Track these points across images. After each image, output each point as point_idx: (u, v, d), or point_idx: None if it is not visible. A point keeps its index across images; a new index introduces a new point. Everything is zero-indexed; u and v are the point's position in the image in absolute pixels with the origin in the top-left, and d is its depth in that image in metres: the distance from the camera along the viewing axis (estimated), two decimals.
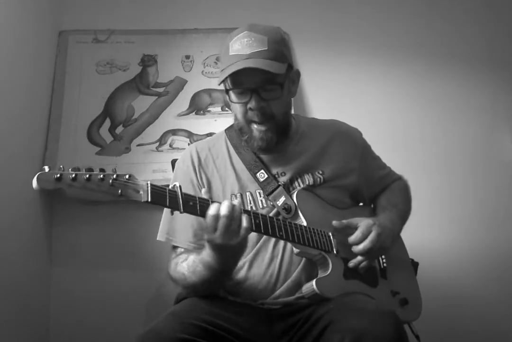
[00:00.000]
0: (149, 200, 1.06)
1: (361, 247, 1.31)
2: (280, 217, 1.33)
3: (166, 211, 1.31)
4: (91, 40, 2.26)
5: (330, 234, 1.35)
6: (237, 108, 1.39)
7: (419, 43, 2.48)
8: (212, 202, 1.16)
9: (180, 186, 1.12)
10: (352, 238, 1.32)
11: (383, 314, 1.13)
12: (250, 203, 1.39)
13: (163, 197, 1.09)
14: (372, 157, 1.60)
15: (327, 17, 2.47)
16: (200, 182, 1.43)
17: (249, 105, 1.34)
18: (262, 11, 2.36)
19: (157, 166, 2.09)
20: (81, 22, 2.28)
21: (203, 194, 1.27)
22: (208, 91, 2.25)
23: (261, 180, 1.40)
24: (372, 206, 1.60)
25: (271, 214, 1.36)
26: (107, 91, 2.19)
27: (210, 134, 2.08)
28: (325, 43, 2.44)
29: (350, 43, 2.45)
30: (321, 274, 1.30)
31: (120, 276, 2.02)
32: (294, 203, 1.36)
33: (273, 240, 1.36)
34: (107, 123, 2.15)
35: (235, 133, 1.48)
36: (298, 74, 1.46)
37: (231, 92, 1.37)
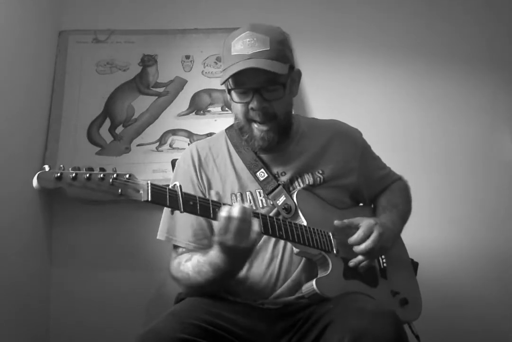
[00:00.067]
0: (149, 199, 1.06)
1: (362, 246, 1.30)
2: (280, 217, 1.33)
3: (166, 210, 1.31)
4: (91, 40, 2.26)
5: (330, 233, 1.35)
6: (238, 107, 1.38)
7: (419, 43, 2.48)
8: (213, 201, 1.17)
9: (180, 186, 1.12)
10: (353, 238, 1.32)
11: (383, 314, 1.13)
12: (250, 202, 1.39)
13: (163, 196, 1.09)
14: (372, 158, 1.61)
15: (327, 17, 2.47)
16: (200, 181, 1.43)
17: (251, 105, 1.34)
18: (262, 11, 2.36)
19: (157, 167, 2.09)
20: (81, 22, 2.28)
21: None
22: (208, 91, 2.25)
23: (261, 179, 1.40)
24: (372, 206, 1.60)
25: (271, 214, 1.36)
26: (107, 91, 2.19)
27: (210, 134, 2.08)
28: (325, 43, 2.44)
29: (350, 43, 2.45)
30: (321, 274, 1.30)
31: (120, 276, 2.02)
32: (294, 202, 1.36)
33: (273, 239, 1.36)
34: (107, 123, 2.14)
35: (236, 133, 1.48)
36: (299, 74, 1.47)
37: (232, 92, 1.37)
